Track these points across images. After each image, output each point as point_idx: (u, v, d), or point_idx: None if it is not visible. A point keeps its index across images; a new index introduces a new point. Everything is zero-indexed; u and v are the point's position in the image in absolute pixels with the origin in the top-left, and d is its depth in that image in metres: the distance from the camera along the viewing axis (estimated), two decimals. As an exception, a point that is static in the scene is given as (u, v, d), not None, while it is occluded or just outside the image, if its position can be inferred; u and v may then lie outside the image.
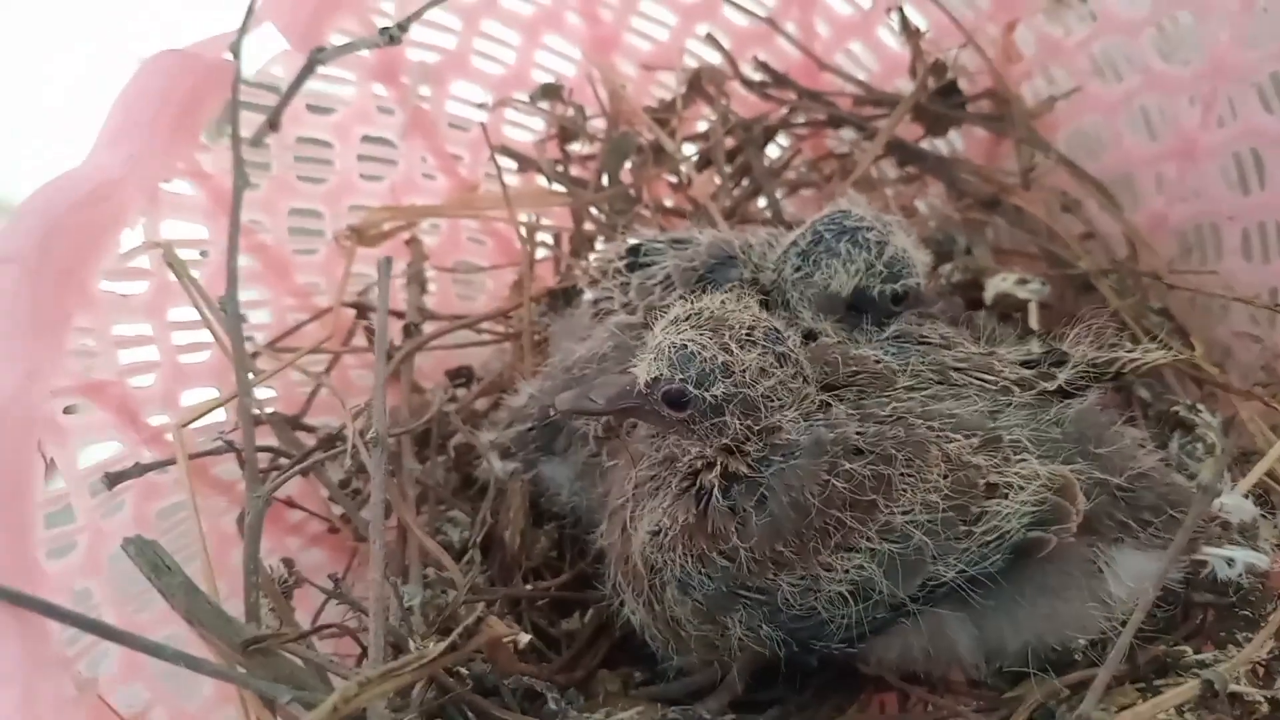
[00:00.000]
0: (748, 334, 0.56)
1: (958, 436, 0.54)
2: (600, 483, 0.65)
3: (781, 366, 0.56)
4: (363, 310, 0.78)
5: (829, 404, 0.57)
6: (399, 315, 0.78)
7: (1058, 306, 0.79)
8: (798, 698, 0.61)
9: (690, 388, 0.54)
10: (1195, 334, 0.74)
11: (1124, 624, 0.53)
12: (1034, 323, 0.76)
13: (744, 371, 0.55)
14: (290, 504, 0.71)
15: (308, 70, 0.69)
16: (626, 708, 0.59)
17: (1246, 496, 0.59)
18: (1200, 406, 0.68)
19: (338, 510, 0.72)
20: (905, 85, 0.87)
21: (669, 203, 0.90)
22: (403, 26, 0.66)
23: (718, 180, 0.87)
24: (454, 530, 0.71)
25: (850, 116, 0.86)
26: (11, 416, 0.53)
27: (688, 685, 0.63)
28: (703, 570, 0.56)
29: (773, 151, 0.92)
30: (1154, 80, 0.79)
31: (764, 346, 0.56)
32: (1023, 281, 0.79)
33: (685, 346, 0.55)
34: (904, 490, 0.53)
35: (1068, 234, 0.81)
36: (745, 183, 0.88)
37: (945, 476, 0.53)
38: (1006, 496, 0.53)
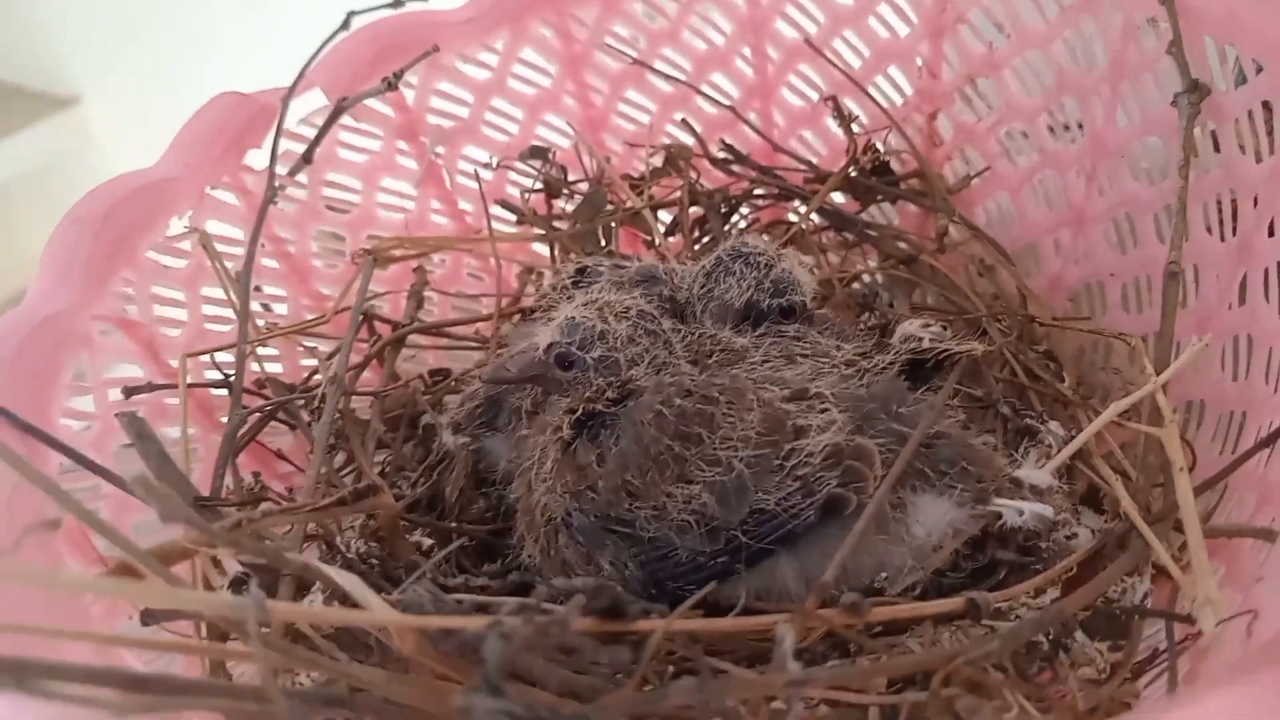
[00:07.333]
0: (623, 312, 0.70)
1: (773, 389, 0.66)
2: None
3: (647, 338, 0.70)
4: (367, 315, 0.94)
5: (679, 365, 0.69)
6: (395, 324, 0.94)
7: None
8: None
9: (574, 350, 0.69)
10: (1069, 370, 0.83)
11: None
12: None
13: (615, 338, 0.69)
14: (280, 456, 0.86)
15: (336, 114, 0.88)
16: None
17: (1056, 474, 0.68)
18: (1049, 419, 0.77)
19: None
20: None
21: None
22: (398, 75, 0.85)
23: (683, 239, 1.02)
24: (406, 486, 0.84)
25: (797, 190, 1.00)
26: (57, 326, 0.70)
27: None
28: (576, 504, 0.67)
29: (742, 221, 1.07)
30: (1048, 158, 0.92)
31: (634, 322, 0.70)
32: (926, 325, 0.90)
33: (573, 318, 0.70)
34: (724, 426, 0.64)
35: (973, 291, 0.92)
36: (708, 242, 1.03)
37: (761, 418, 0.64)
38: (809, 436, 0.64)
